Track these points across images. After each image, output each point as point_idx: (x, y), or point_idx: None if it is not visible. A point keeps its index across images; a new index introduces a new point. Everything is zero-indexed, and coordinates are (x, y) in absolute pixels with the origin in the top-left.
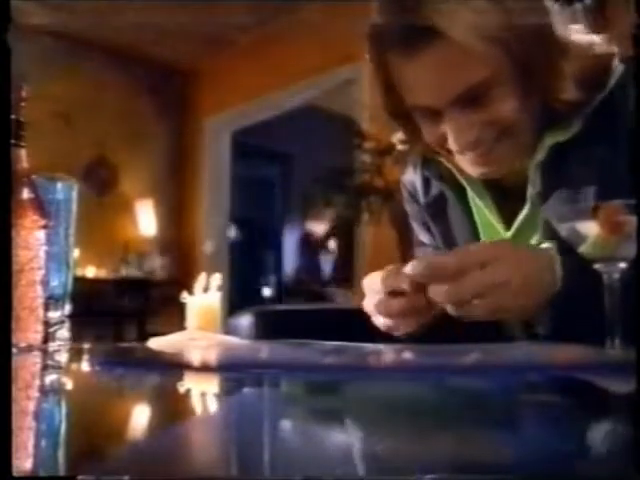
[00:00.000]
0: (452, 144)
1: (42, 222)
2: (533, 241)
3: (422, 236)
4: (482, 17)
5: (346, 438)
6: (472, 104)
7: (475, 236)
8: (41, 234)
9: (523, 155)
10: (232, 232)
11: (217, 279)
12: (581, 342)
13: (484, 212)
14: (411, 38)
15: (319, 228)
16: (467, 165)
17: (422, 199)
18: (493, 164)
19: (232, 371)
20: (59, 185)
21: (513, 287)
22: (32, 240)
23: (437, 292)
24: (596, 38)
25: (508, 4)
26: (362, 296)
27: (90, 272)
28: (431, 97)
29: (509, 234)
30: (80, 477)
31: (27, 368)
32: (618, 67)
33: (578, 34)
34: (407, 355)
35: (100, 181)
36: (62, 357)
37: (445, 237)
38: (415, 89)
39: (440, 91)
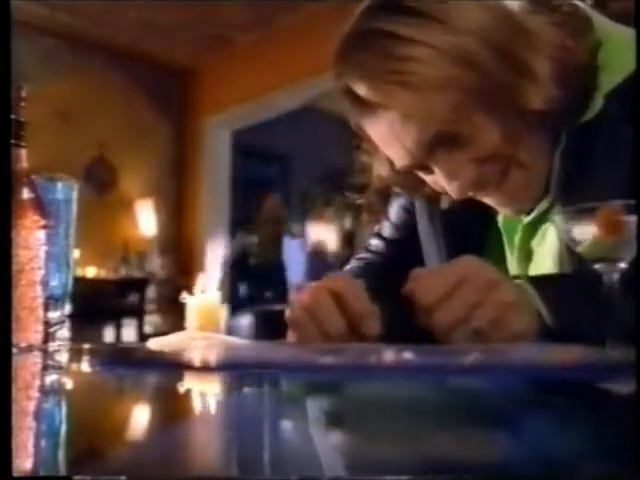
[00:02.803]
0: (450, 191)
1: (42, 222)
2: (551, 232)
3: (390, 229)
4: (415, 67)
5: (345, 438)
6: (452, 147)
7: (490, 219)
8: (41, 234)
9: (543, 179)
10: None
11: (217, 279)
12: (581, 342)
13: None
14: (357, 108)
15: (321, 236)
16: (498, 207)
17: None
18: (517, 201)
19: (232, 371)
20: (59, 185)
21: (489, 308)
22: (32, 240)
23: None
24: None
25: (442, 37)
26: None
27: (90, 272)
28: (404, 157)
29: (527, 220)
30: (76, 477)
31: (27, 368)
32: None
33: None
34: (407, 355)
35: (100, 181)
36: (62, 357)
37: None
38: (388, 152)
39: (406, 150)
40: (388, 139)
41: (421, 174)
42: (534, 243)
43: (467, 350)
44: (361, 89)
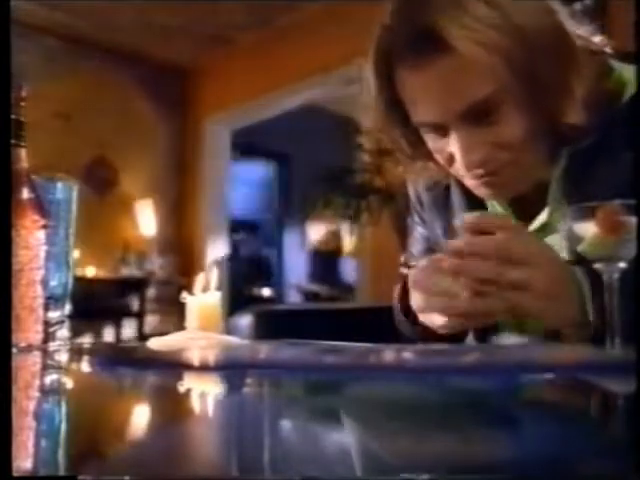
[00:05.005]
0: (459, 162)
1: (42, 222)
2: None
3: (416, 246)
4: (486, 27)
5: (346, 438)
6: (479, 122)
7: None
8: (41, 234)
9: (529, 181)
10: (232, 233)
11: (216, 279)
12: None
13: (497, 209)
14: (419, 48)
15: (320, 235)
16: (474, 186)
17: (424, 193)
18: (498, 188)
19: (232, 371)
20: (59, 185)
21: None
22: (32, 240)
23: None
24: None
25: (512, 15)
26: (363, 297)
27: (90, 272)
28: (436, 112)
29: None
30: (80, 477)
31: (27, 368)
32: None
33: (589, 47)
34: (407, 355)
35: (100, 181)
36: (62, 357)
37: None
38: (421, 104)
39: (445, 106)
40: (432, 89)
41: (428, 137)
42: None
43: (467, 350)
44: (442, 24)
